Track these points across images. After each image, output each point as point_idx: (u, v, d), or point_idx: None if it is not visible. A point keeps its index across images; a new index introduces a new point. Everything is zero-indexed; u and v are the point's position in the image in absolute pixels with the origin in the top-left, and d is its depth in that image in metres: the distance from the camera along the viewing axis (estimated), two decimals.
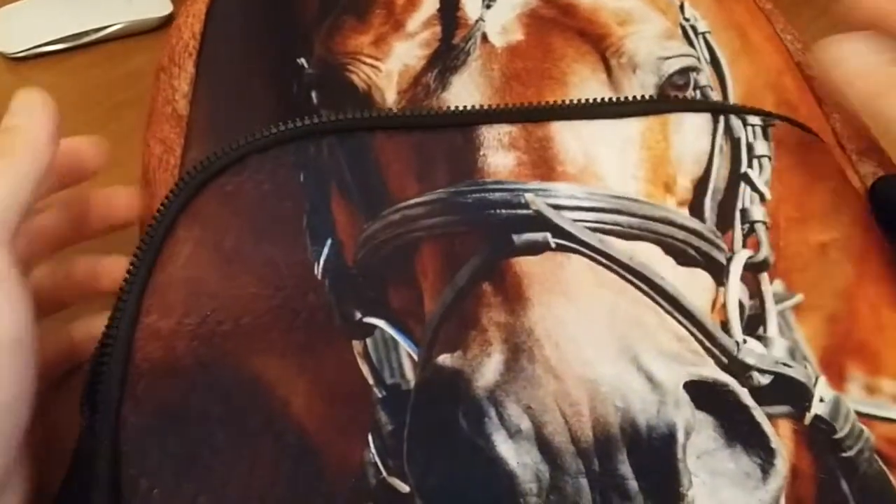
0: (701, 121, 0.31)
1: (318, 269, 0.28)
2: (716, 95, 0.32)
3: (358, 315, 0.27)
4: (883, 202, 0.31)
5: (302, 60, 0.33)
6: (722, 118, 0.31)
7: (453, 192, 0.28)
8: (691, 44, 0.33)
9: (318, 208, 0.29)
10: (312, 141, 0.30)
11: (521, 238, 0.27)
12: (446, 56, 0.32)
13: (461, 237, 0.27)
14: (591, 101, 0.30)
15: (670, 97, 0.31)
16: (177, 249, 0.29)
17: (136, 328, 0.27)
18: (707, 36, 0.34)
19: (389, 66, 0.32)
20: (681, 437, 0.24)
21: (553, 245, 0.27)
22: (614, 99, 0.30)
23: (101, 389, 0.26)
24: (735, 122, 0.31)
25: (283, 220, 0.29)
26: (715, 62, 0.33)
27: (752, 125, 0.31)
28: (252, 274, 0.28)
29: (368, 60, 0.32)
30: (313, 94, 0.32)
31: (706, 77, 0.32)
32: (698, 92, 0.32)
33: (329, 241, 0.28)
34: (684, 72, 0.32)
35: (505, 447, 0.23)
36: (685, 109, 0.31)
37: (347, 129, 0.30)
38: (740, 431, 0.24)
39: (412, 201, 0.28)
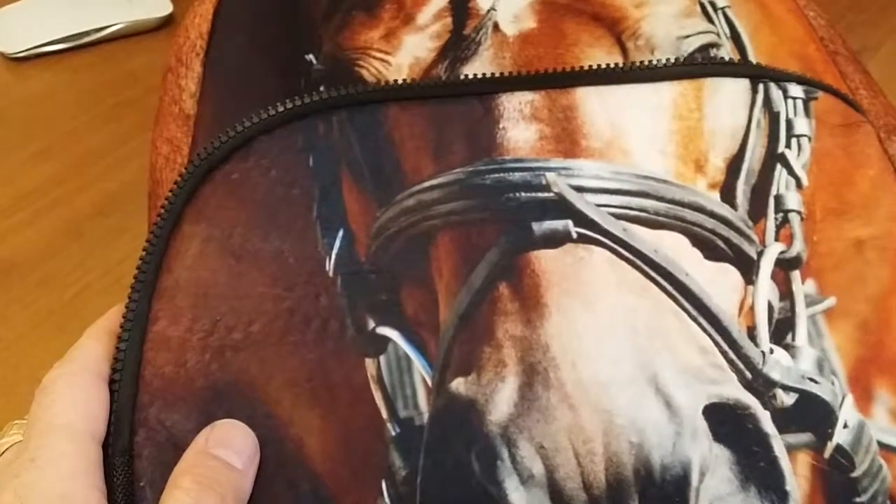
0: (739, 89, 0.29)
1: (330, 265, 0.27)
2: None
3: (371, 324, 0.26)
4: None
5: (310, 57, 0.32)
6: (761, 88, 0.29)
7: (471, 173, 0.27)
8: (710, 20, 0.32)
9: (328, 195, 0.28)
10: (322, 117, 0.29)
11: (541, 227, 0.26)
12: (457, 47, 0.31)
13: (478, 226, 0.26)
14: (619, 65, 0.29)
15: (706, 60, 0.29)
16: (183, 247, 0.28)
17: (146, 337, 0.26)
18: (727, 10, 0.33)
19: (399, 59, 0.31)
20: (695, 479, 0.23)
21: (574, 235, 0.26)
22: (646, 62, 0.29)
23: (113, 409, 0.26)
24: (775, 93, 0.29)
25: (292, 211, 0.28)
26: (735, 36, 0.32)
27: (794, 98, 0.30)
28: (261, 271, 0.27)
29: (378, 55, 0.31)
30: (321, 90, 0.31)
31: (727, 52, 0.31)
32: None
33: (341, 233, 0.27)
34: (704, 49, 0.30)
35: (517, 495, 0.23)
36: (723, 74, 0.29)
37: (359, 102, 0.29)
38: (756, 469, 0.24)
39: (427, 184, 0.27)
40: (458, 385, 0.24)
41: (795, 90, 0.30)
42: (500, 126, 0.28)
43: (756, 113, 0.29)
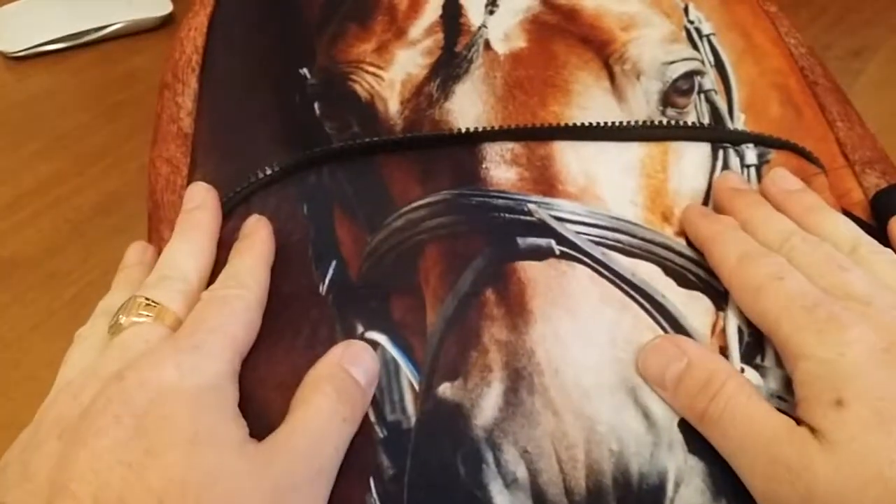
0: (700, 156, 0.31)
1: (323, 288, 0.28)
2: (720, 98, 0.32)
3: (360, 328, 0.27)
4: (884, 213, 0.31)
5: (304, 70, 0.33)
6: (721, 156, 0.31)
7: (457, 195, 0.28)
8: (696, 46, 0.33)
9: (322, 233, 0.29)
10: (313, 170, 0.30)
11: (525, 241, 0.27)
12: (449, 64, 0.31)
13: (464, 238, 0.27)
14: (593, 124, 0.30)
15: (671, 124, 0.31)
16: None
17: None
18: (712, 38, 0.33)
19: (392, 74, 0.31)
20: (670, 489, 0.24)
21: (557, 252, 0.27)
22: (616, 123, 0.30)
23: None
24: (733, 160, 0.31)
25: (290, 255, 0.29)
26: (719, 64, 0.33)
27: (749, 165, 0.31)
28: None
29: (371, 69, 0.32)
30: (316, 106, 0.32)
31: (710, 80, 0.32)
32: (703, 96, 0.32)
33: (334, 263, 0.28)
34: (688, 76, 0.31)
35: (500, 498, 0.23)
36: (686, 137, 0.31)
37: (348, 156, 0.30)
38: (728, 480, 0.24)
39: (416, 204, 0.28)
40: (445, 389, 0.25)
41: (751, 156, 0.31)
42: (483, 166, 0.29)
43: (715, 180, 0.30)
